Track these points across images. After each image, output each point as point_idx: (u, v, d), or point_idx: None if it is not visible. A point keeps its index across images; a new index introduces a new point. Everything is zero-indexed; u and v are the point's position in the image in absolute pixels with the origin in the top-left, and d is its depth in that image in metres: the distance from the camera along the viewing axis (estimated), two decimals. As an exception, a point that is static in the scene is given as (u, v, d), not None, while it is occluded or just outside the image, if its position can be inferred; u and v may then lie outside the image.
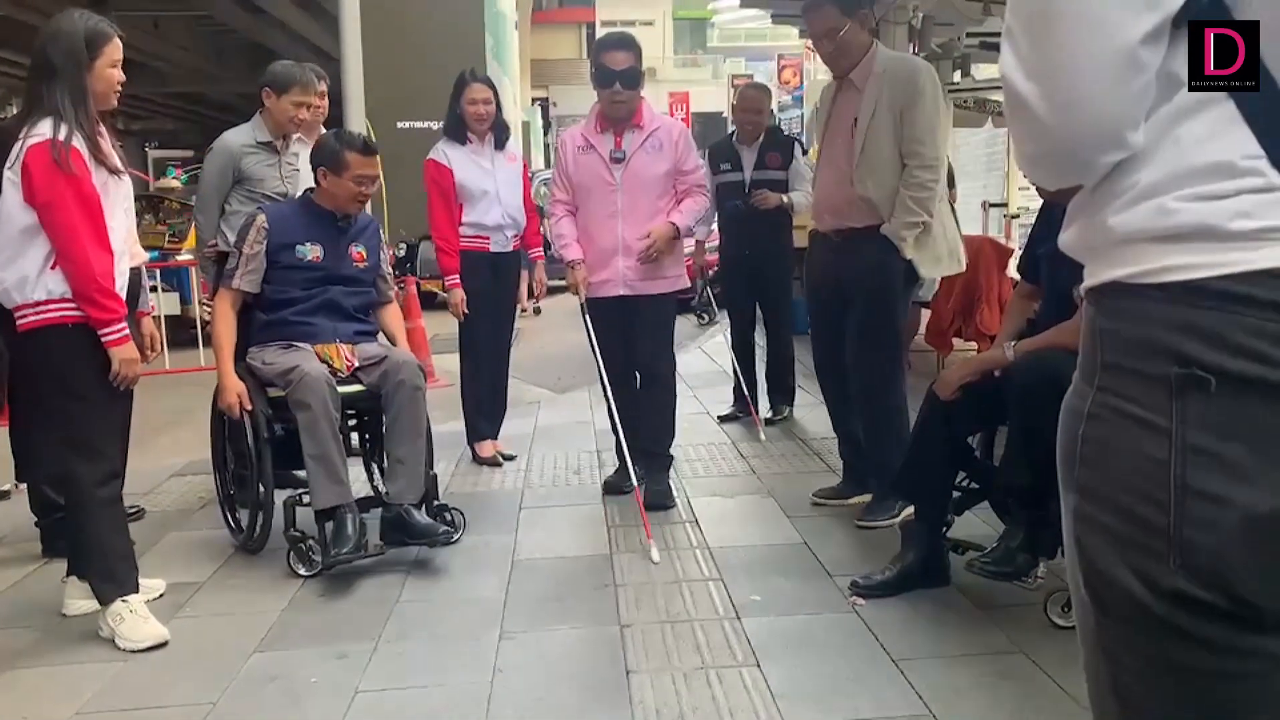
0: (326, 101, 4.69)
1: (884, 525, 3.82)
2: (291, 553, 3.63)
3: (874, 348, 3.88)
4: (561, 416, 6.08)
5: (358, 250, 3.95)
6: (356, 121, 13.76)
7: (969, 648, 2.91)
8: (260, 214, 3.88)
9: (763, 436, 5.38)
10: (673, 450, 4.49)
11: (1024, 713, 2.57)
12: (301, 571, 3.58)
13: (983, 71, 11.76)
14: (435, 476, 3.87)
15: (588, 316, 4.30)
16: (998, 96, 11.52)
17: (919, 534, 3.34)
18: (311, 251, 3.84)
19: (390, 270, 4.24)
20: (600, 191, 4.23)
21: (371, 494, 3.98)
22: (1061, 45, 0.99)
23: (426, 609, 3.33)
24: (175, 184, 13.34)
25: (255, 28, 18.35)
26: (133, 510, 4.27)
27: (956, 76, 11.43)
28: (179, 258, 9.48)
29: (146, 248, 10.01)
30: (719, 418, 5.85)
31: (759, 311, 5.87)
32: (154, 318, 3.74)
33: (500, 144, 4.90)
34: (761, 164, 5.57)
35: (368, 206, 4.11)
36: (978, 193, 14.23)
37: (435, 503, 3.84)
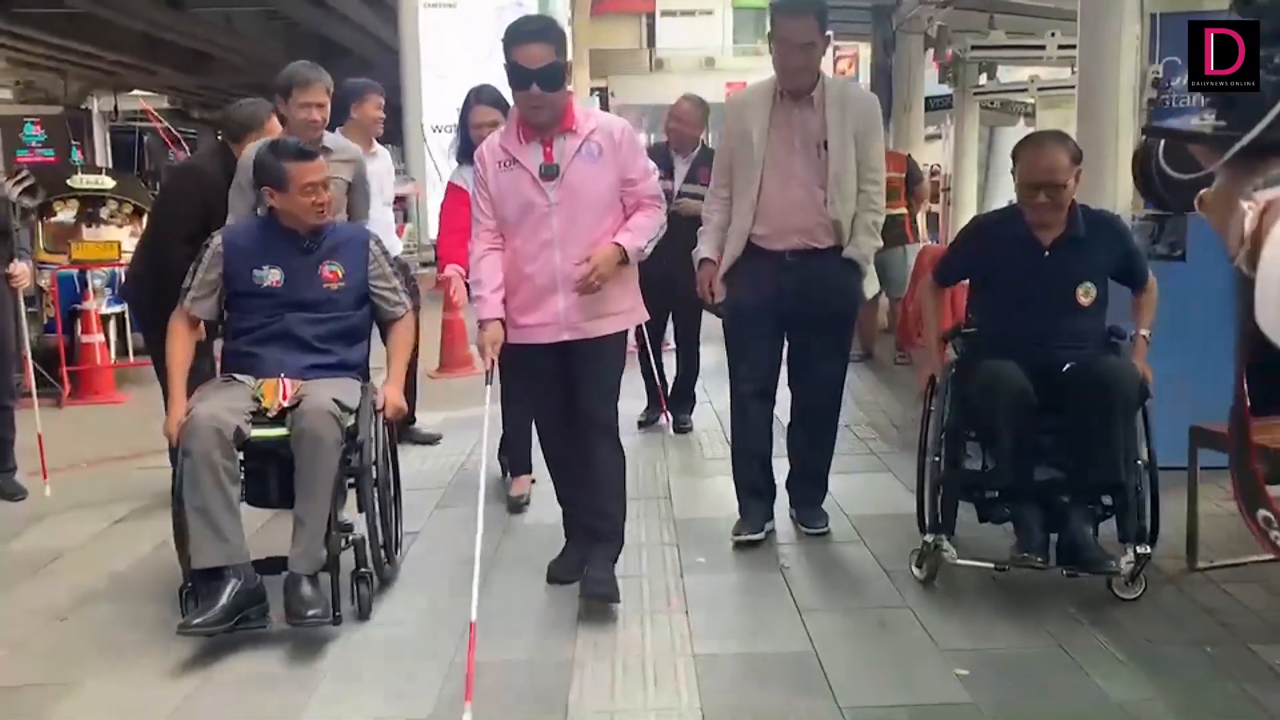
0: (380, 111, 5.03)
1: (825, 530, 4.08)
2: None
3: (837, 366, 4.09)
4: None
5: (330, 269, 3.59)
6: (414, 116, 14.43)
7: (866, 602, 3.50)
8: (216, 235, 3.64)
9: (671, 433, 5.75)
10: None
11: (890, 651, 3.15)
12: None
13: (1008, 74, 12.12)
14: (362, 539, 3.43)
15: (492, 382, 3.48)
16: (1022, 99, 11.91)
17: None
18: (270, 276, 3.53)
19: (399, 284, 3.79)
20: (530, 216, 3.41)
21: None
22: None
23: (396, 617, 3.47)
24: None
25: (322, 22, 19.19)
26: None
27: (983, 79, 11.84)
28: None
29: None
30: (638, 423, 5.84)
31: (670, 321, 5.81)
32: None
33: None
34: (693, 177, 5.49)
35: (399, 220, 4.16)
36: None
37: (362, 569, 3.42)
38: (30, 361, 5.42)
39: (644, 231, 3.49)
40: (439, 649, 3.18)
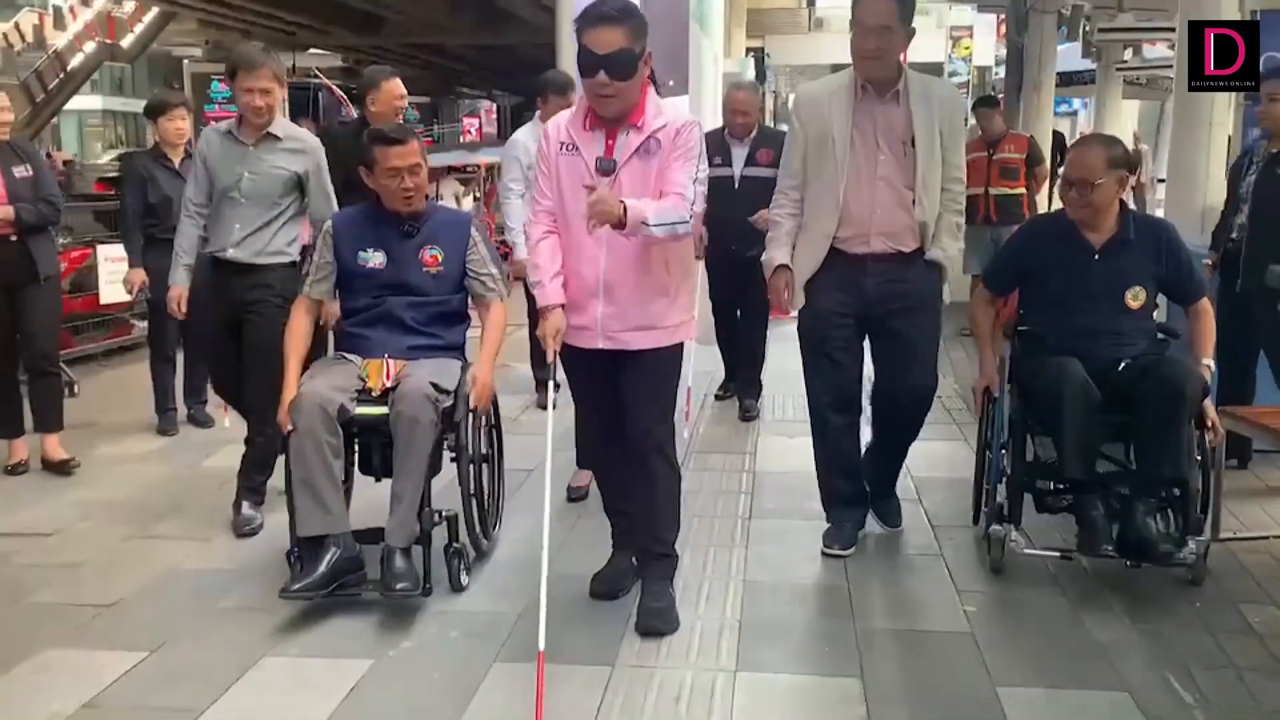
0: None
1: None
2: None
3: (929, 373, 3.88)
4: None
5: (431, 254, 3.72)
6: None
7: (907, 549, 4.04)
8: (328, 221, 3.85)
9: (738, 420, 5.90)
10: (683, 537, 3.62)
11: (913, 588, 3.67)
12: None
13: (1153, 51, 11.99)
14: (455, 517, 3.65)
15: (555, 376, 3.30)
16: (1169, 74, 11.81)
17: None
18: (374, 258, 3.70)
19: (493, 270, 3.84)
20: (583, 210, 3.15)
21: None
22: None
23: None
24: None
25: (485, -15, 20.00)
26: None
27: (1128, 55, 11.79)
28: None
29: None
30: (716, 396, 6.29)
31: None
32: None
33: None
34: (752, 160, 5.58)
35: (465, 203, 4.43)
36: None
37: (454, 544, 3.64)
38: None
39: (657, 211, 3.10)
40: (538, 563, 3.79)
